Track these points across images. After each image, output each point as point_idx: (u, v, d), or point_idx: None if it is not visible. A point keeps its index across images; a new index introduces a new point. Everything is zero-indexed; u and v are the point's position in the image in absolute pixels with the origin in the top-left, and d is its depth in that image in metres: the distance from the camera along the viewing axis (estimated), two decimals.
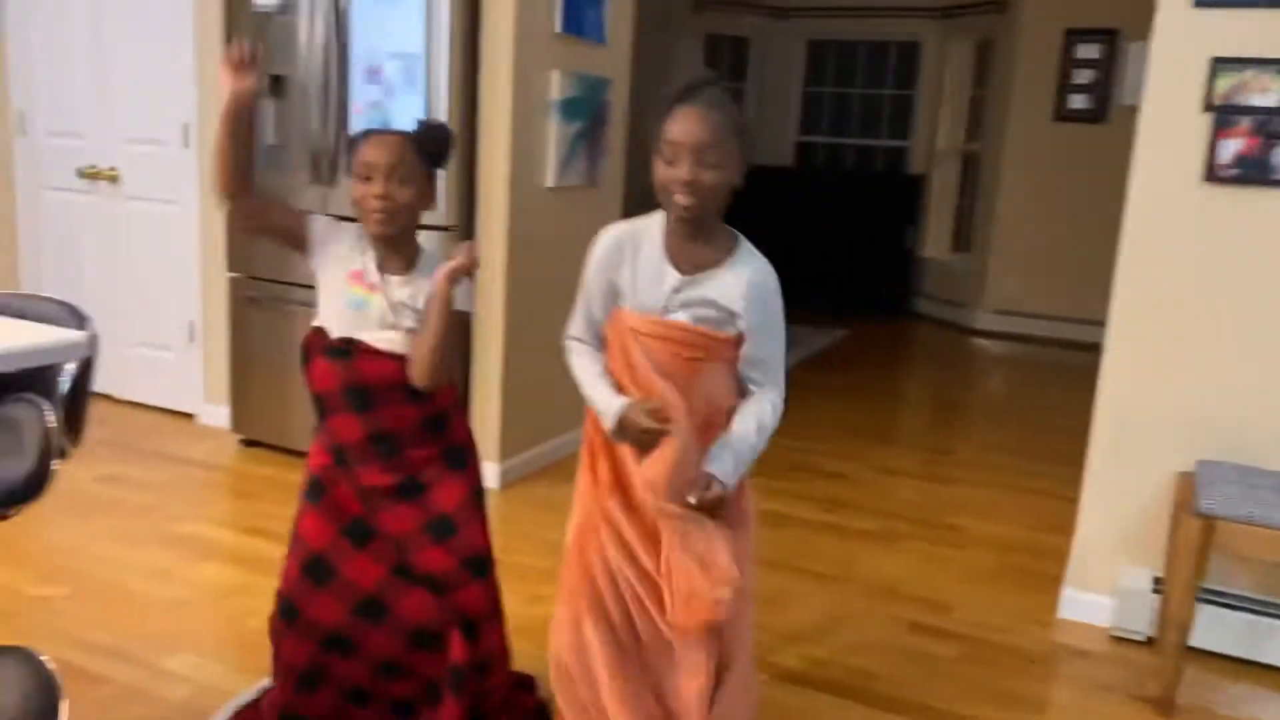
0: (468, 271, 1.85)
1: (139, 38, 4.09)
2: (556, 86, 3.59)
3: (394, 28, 3.37)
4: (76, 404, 1.73)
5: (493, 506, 3.43)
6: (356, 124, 3.41)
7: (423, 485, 1.95)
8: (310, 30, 3.50)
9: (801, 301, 7.77)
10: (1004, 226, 7.36)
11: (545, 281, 3.68)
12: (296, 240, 1.95)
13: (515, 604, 2.76)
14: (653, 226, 1.82)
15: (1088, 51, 6.91)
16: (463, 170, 3.47)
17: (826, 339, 6.92)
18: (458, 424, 2.02)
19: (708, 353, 1.79)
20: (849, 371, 6.11)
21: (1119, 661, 2.71)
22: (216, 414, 4.14)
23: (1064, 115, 7.07)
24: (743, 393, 1.85)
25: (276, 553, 2.12)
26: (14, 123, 4.46)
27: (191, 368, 4.24)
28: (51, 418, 1.72)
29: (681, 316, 1.78)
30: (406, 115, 3.27)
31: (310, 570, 1.96)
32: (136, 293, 4.27)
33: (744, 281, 1.77)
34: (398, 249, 1.93)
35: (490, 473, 3.63)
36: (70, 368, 1.71)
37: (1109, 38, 6.71)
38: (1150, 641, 2.76)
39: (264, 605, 2.10)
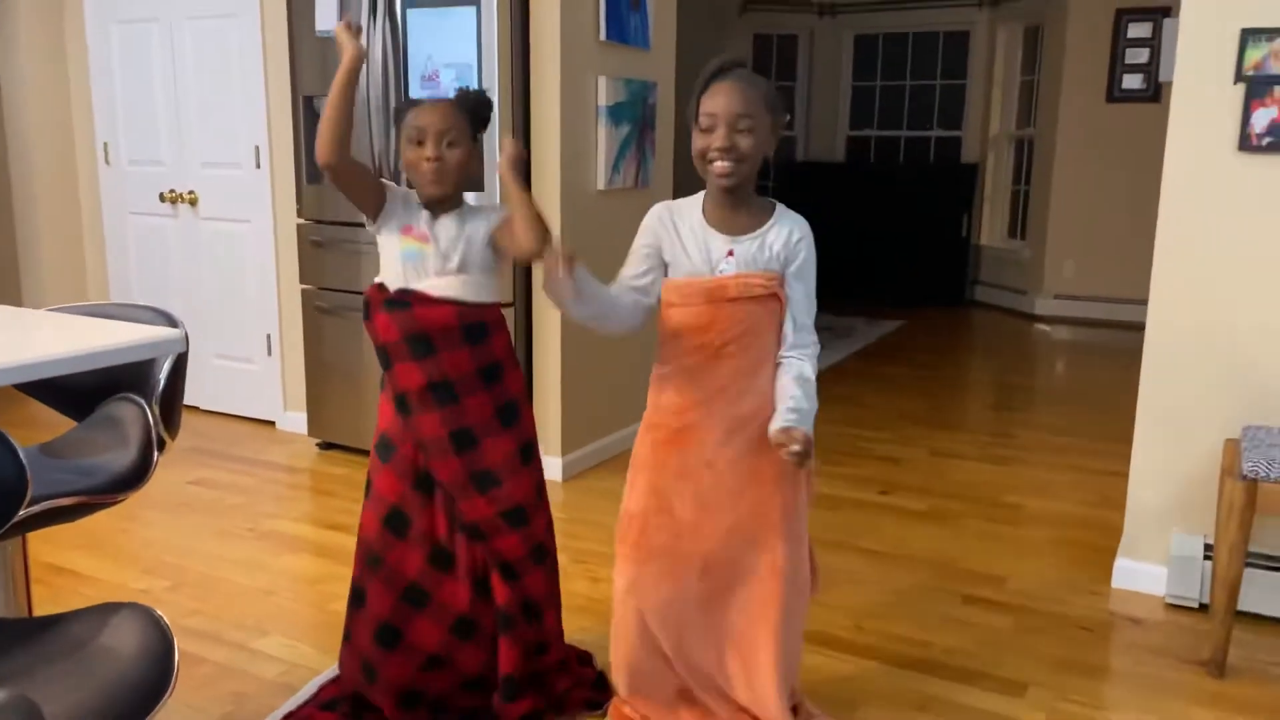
0: (520, 158, 2.03)
1: (212, 69, 4.35)
2: (604, 92, 3.74)
3: (448, 39, 3.54)
4: (172, 399, 1.91)
5: (557, 497, 3.62)
6: None
7: (476, 440, 2.10)
8: (369, 50, 3.70)
9: (859, 294, 7.89)
10: (1060, 211, 7.33)
11: (601, 277, 3.81)
12: (375, 204, 2.11)
13: (578, 585, 2.92)
14: (694, 203, 1.98)
15: (1139, 30, 6.86)
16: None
17: (884, 330, 6.96)
18: (511, 378, 2.16)
19: (756, 300, 1.92)
20: (906, 361, 6.15)
21: (1173, 628, 2.75)
22: (295, 420, 4.36)
23: (1117, 96, 7.03)
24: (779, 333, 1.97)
25: (354, 544, 2.29)
26: (99, 153, 4.75)
27: (270, 377, 4.47)
28: (150, 412, 1.90)
29: (729, 269, 1.92)
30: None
31: (390, 521, 2.13)
32: (217, 308, 4.52)
33: (786, 234, 1.93)
34: (445, 206, 2.10)
35: (553, 466, 3.78)
36: (166, 367, 1.89)
37: (1161, 16, 6.66)
38: (1203, 608, 2.79)
39: (345, 591, 2.27)
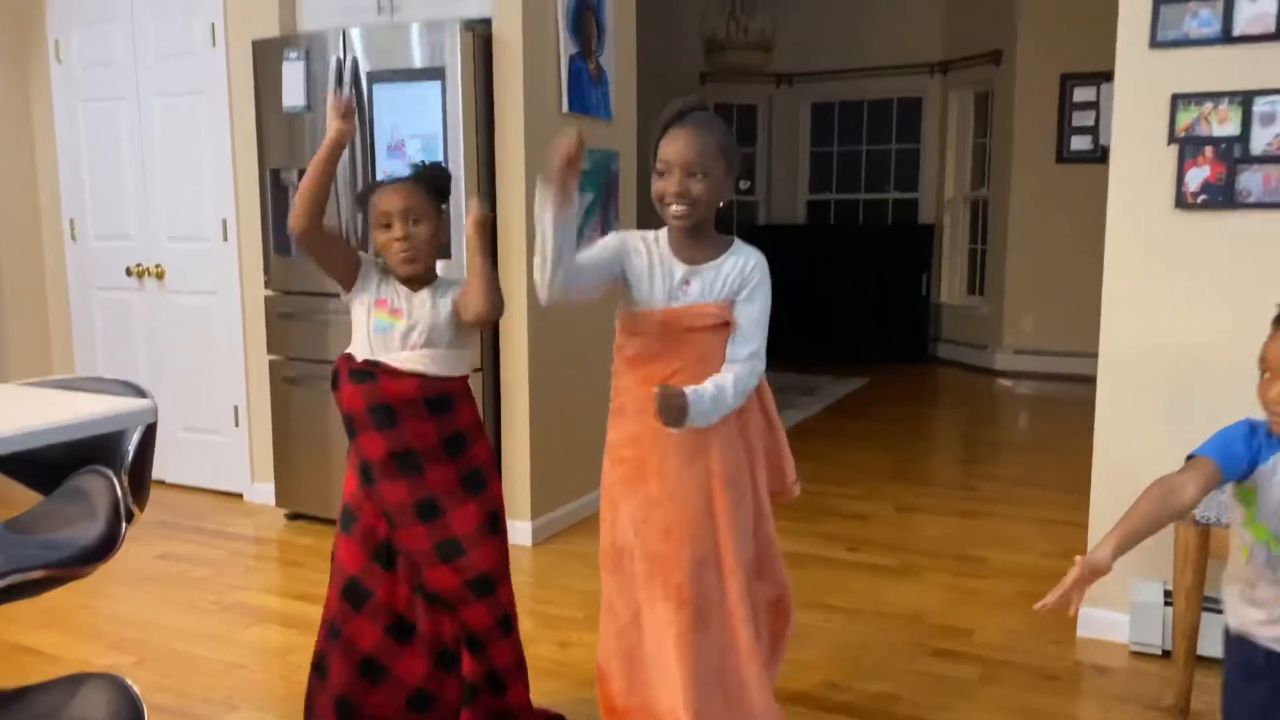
0: (486, 220, 2.08)
1: (179, 143, 4.40)
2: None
3: (413, 112, 3.62)
4: (141, 470, 1.92)
5: (527, 561, 3.62)
6: None
7: (440, 510, 2.12)
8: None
9: (823, 353, 8.00)
10: (1016, 268, 7.51)
11: (567, 346, 3.87)
12: (349, 274, 2.16)
13: (547, 650, 2.92)
14: (660, 234, 2.06)
15: (1084, 94, 7.12)
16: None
17: (849, 387, 7.05)
18: (477, 448, 2.19)
19: (709, 329, 1.99)
20: (871, 417, 6.23)
21: (1137, 675, 2.79)
22: (263, 491, 4.34)
23: (1066, 157, 7.26)
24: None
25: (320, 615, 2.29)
26: (66, 230, 4.77)
27: (238, 449, 4.46)
28: (118, 484, 1.91)
29: (690, 298, 1.99)
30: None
31: (348, 594, 2.14)
32: (185, 380, 4.52)
33: (741, 264, 2.01)
34: (419, 281, 2.16)
35: (523, 530, 3.78)
36: (135, 438, 1.90)
37: (1103, 80, 6.92)
38: (1167, 654, 2.84)
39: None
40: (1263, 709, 1.61)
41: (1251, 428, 1.63)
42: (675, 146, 1.94)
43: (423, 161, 2.22)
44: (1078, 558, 1.57)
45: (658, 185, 1.97)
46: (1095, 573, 1.52)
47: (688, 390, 1.89)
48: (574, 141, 1.85)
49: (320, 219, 2.09)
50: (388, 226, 2.09)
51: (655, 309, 2.01)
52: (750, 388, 2.01)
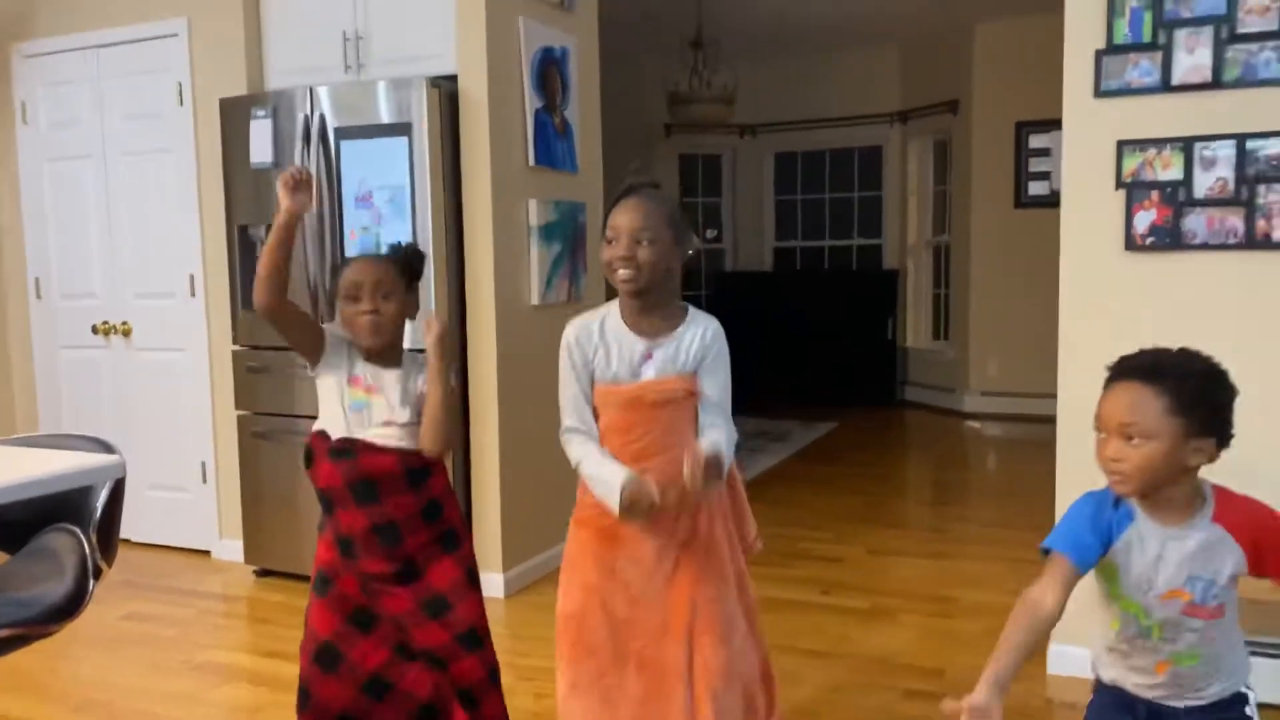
0: (445, 334, 2.10)
1: (146, 201, 4.42)
2: (534, 214, 3.89)
3: (380, 166, 3.67)
4: (110, 526, 1.92)
5: (500, 613, 3.61)
6: (350, 249, 3.68)
7: (420, 570, 2.13)
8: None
9: (792, 398, 8.06)
10: (980, 312, 7.64)
11: (536, 394, 3.89)
12: (314, 349, 2.18)
13: (524, 701, 2.91)
14: (611, 310, 2.09)
15: (1040, 141, 7.31)
16: (453, 293, 3.73)
17: (818, 432, 7.10)
18: (450, 509, 2.22)
19: (674, 402, 2.03)
20: (840, 462, 6.27)
21: None
22: (231, 548, 4.30)
23: (1024, 202, 7.43)
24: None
25: (293, 671, 2.27)
26: (30, 289, 4.75)
27: (206, 505, 4.42)
28: (86, 542, 1.91)
29: (650, 374, 2.02)
30: (396, 238, 3.55)
31: (320, 658, 2.13)
32: (151, 438, 4.48)
33: (699, 334, 2.05)
34: (384, 357, 2.17)
35: (495, 583, 3.77)
36: (103, 494, 1.90)
37: (1057, 127, 7.10)
38: None
39: (284, 718, 2.24)
40: None
41: (1097, 504, 1.60)
42: (624, 216, 2.00)
43: (399, 243, 2.27)
44: (957, 704, 1.46)
45: (606, 252, 2.02)
46: (983, 716, 1.42)
47: (709, 444, 1.94)
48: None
49: (283, 294, 2.11)
50: (356, 300, 2.11)
51: (621, 385, 2.04)
52: (732, 452, 2.05)
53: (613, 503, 1.94)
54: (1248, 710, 1.56)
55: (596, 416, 2.07)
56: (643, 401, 2.02)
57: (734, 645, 2.08)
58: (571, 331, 2.08)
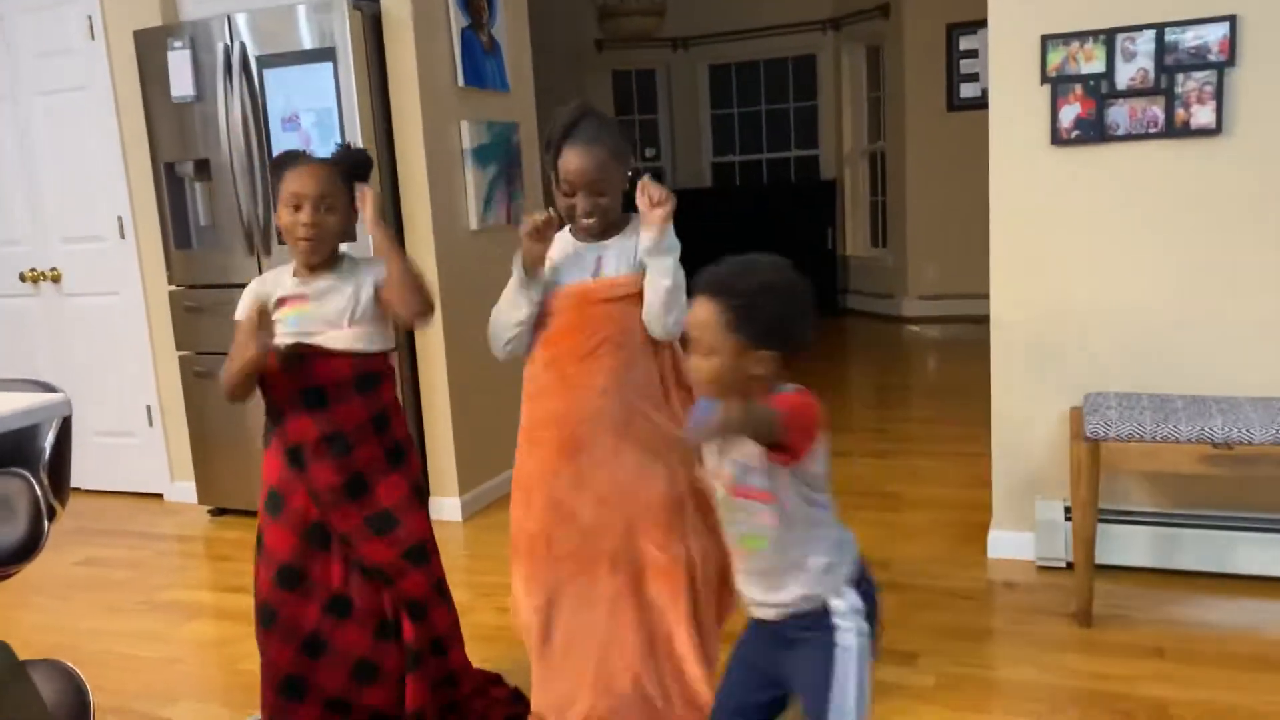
0: (379, 205, 2.12)
1: (66, 141, 4.28)
2: (467, 136, 3.84)
3: (306, 93, 3.59)
4: (60, 466, 1.91)
5: (459, 536, 3.67)
6: None
7: (368, 485, 2.15)
8: (228, 112, 3.72)
9: None
10: (916, 218, 7.73)
11: (481, 318, 3.87)
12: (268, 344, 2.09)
13: (485, 617, 2.98)
14: (563, 232, 2.13)
15: (970, 43, 7.32)
16: (389, 221, 3.68)
17: None
18: (397, 423, 2.23)
19: (624, 300, 2.08)
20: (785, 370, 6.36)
21: (1044, 587, 2.96)
22: (184, 489, 4.29)
23: (956, 105, 7.47)
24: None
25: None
26: None
27: (154, 449, 4.39)
28: (37, 483, 1.90)
29: (606, 273, 2.08)
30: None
31: (282, 579, 2.16)
32: (93, 385, 4.41)
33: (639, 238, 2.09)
34: (317, 267, 2.14)
35: (451, 506, 3.82)
36: (50, 434, 1.90)
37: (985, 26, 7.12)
38: (1071, 566, 3.01)
39: (254, 650, 2.26)
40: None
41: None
42: (575, 166, 2.02)
43: (346, 143, 2.20)
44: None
45: (564, 203, 2.06)
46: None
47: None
48: (539, 218, 2.02)
49: (251, 391, 2.11)
50: (297, 209, 2.06)
51: (570, 285, 2.09)
52: (679, 275, 2.06)
53: (518, 273, 2.07)
54: (835, 620, 1.57)
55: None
56: (594, 298, 2.07)
57: (713, 543, 2.14)
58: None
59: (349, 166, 2.14)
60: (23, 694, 0.94)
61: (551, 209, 2.08)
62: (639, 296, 2.07)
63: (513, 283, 2.12)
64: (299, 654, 2.17)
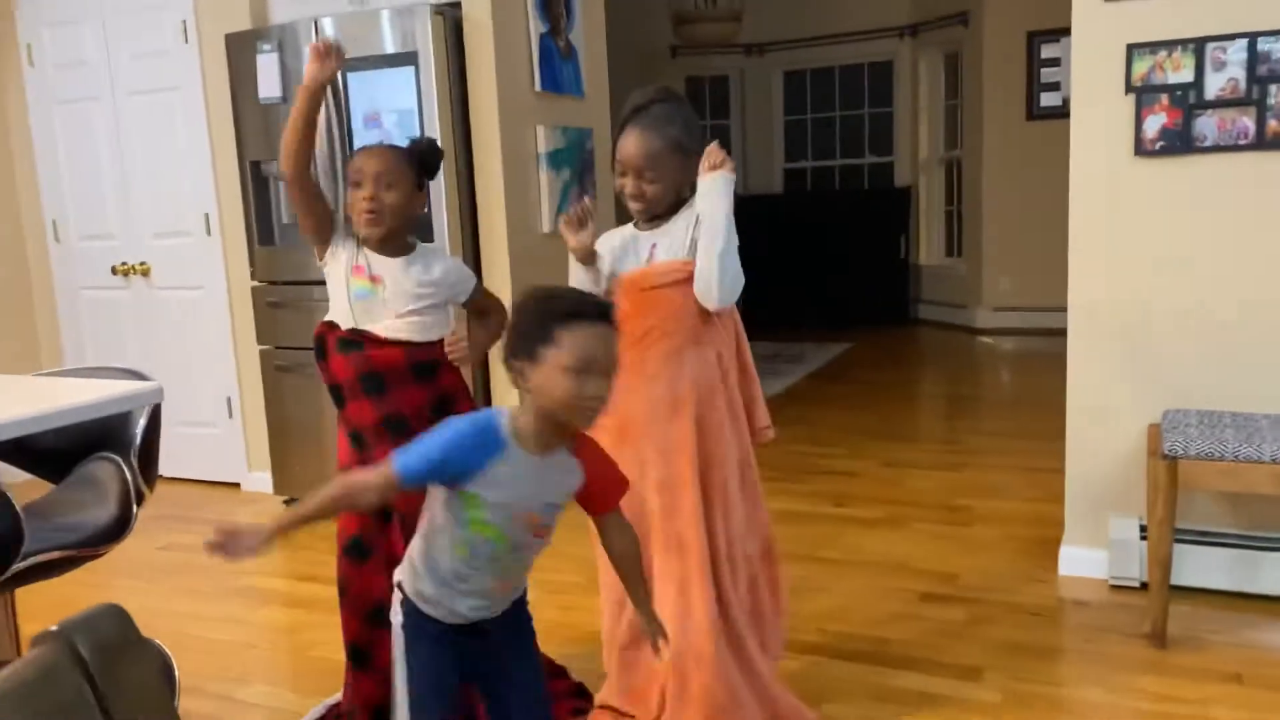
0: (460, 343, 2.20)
1: (157, 140, 4.44)
2: (542, 140, 3.89)
3: (388, 95, 3.68)
4: (149, 451, 1.99)
5: None
6: None
7: None
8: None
9: (806, 320, 8.08)
10: (992, 227, 7.60)
11: None
12: (324, 233, 2.21)
13: (550, 614, 3.01)
14: (627, 225, 2.20)
15: (1051, 51, 7.19)
16: (465, 223, 3.76)
17: (833, 352, 7.14)
18: (463, 406, 2.25)
19: (674, 286, 2.09)
20: (854, 381, 6.33)
21: (1116, 607, 2.90)
22: (260, 480, 4.41)
23: (1036, 114, 7.34)
24: (707, 314, 2.12)
25: (328, 594, 2.36)
26: (49, 231, 4.80)
27: (233, 439, 4.52)
28: (128, 468, 1.99)
29: (658, 259, 2.11)
30: None
31: (350, 551, 2.23)
32: (176, 376, 4.55)
33: (692, 214, 2.11)
34: (388, 248, 2.19)
35: None
36: (141, 421, 1.97)
37: (1068, 35, 6.97)
38: (1144, 586, 2.94)
39: (323, 638, 2.34)
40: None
41: (474, 440, 1.57)
42: (628, 149, 2.06)
43: (418, 136, 2.29)
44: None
45: (618, 182, 2.12)
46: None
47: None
48: (571, 213, 2.10)
49: (306, 163, 2.14)
50: (359, 185, 2.13)
51: (628, 274, 2.13)
52: (732, 239, 2.06)
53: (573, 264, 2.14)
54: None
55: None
56: (644, 284, 2.10)
57: (754, 530, 2.18)
58: (600, 239, 2.20)
59: (419, 153, 2.21)
60: (141, 654, 0.99)
61: (588, 197, 2.15)
62: (690, 280, 2.07)
63: (573, 270, 2.18)
64: (365, 624, 2.23)
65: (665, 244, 2.11)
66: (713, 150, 2.09)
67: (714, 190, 2.05)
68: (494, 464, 1.54)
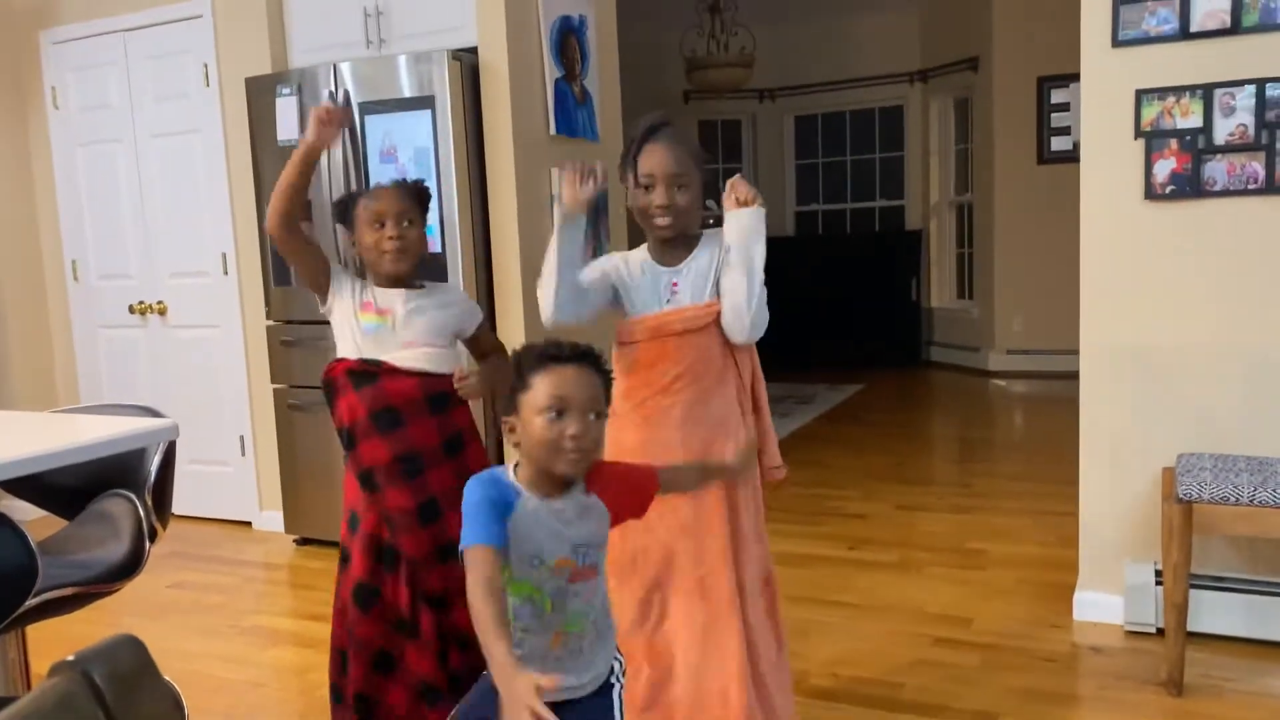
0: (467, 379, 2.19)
1: (177, 182, 4.50)
2: (557, 184, 3.93)
3: (405, 138, 3.73)
4: (163, 488, 2.00)
5: None
6: None
7: (440, 511, 2.19)
8: (329, 156, 3.87)
9: (818, 362, 8.08)
10: (1004, 270, 7.61)
11: None
12: (322, 281, 2.25)
13: None
14: (638, 251, 2.15)
15: (1061, 96, 7.25)
16: (479, 264, 3.79)
17: (845, 394, 7.13)
18: (474, 449, 2.27)
19: (700, 331, 2.06)
20: (867, 423, 6.31)
21: (1132, 653, 2.86)
22: (271, 518, 4.41)
23: (1047, 158, 7.38)
24: (729, 353, 2.10)
25: None
26: (68, 271, 4.86)
27: (245, 477, 4.53)
28: (141, 505, 2.00)
29: (680, 301, 2.06)
30: None
31: (358, 595, 2.22)
32: (190, 413, 4.58)
33: (715, 248, 2.08)
34: (397, 284, 2.24)
35: None
36: (156, 458, 1.99)
37: (1078, 80, 7.03)
38: (1160, 632, 2.91)
39: None
40: None
41: (493, 490, 1.54)
42: (656, 160, 2.01)
43: (404, 179, 2.34)
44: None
45: (642, 199, 2.04)
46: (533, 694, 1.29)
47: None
48: (584, 164, 2.04)
49: (293, 221, 2.17)
50: (381, 225, 2.17)
51: (647, 315, 2.09)
52: (759, 298, 2.03)
53: (558, 214, 2.05)
54: (613, 680, 1.60)
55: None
56: (670, 329, 2.05)
57: (759, 560, 2.16)
58: (610, 255, 2.17)
59: (415, 191, 2.26)
60: (155, 686, 1.00)
61: (598, 169, 2.05)
62: (716, 322, 2.06)
63: (558, 234, 2.06)
64: (370, 671, 2.22)
65: (688, 284, 2.07)
66: (738, 183, 2.06)
67: (748, 225, 2.03)
68: (514, 513, 1.53)
